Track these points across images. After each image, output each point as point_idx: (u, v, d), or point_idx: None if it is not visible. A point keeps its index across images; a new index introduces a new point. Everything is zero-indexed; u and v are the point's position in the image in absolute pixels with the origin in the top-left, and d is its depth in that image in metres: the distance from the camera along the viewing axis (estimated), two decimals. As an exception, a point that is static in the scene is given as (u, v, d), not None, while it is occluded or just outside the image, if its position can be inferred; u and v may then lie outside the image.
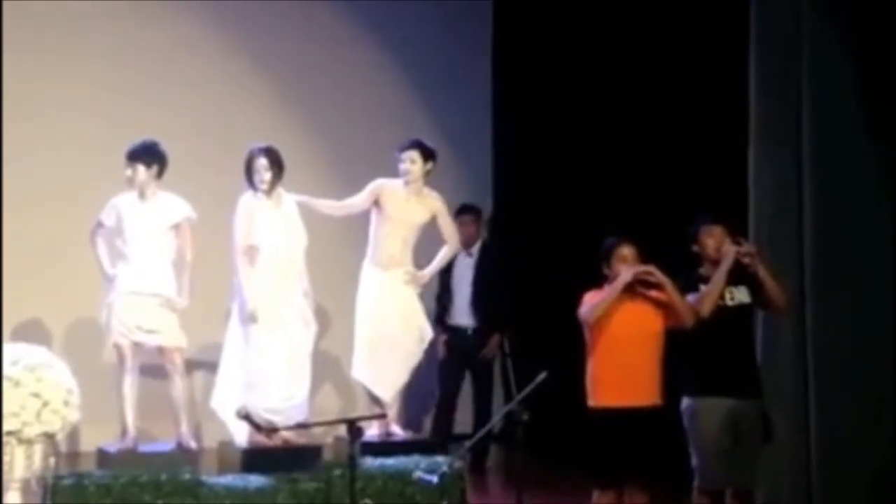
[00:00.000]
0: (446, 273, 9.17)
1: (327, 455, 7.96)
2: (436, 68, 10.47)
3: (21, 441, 6.18)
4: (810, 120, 7.48)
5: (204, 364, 8.77)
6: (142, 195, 8.00)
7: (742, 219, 7.56)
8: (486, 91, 10.62)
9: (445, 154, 8.86)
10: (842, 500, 7.29)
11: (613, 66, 9.48)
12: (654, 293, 6.86)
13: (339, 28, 10.32)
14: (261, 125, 9.52)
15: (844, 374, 7.29)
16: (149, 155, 7.98)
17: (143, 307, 7.92)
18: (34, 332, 8.68)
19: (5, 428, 6.14)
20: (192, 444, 8.03)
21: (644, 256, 6.90)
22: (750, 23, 7.71)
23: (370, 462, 7.63)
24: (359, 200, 8.35)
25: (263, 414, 7.66)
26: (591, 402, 6.85)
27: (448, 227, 8.46)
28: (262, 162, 8.01)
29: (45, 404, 6.21)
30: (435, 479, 6.49)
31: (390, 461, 7.70)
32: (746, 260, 6.85)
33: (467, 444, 6.39)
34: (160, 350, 8.02)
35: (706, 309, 6.77)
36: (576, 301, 6.88)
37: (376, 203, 8.31)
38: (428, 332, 8.43)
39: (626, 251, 6.87)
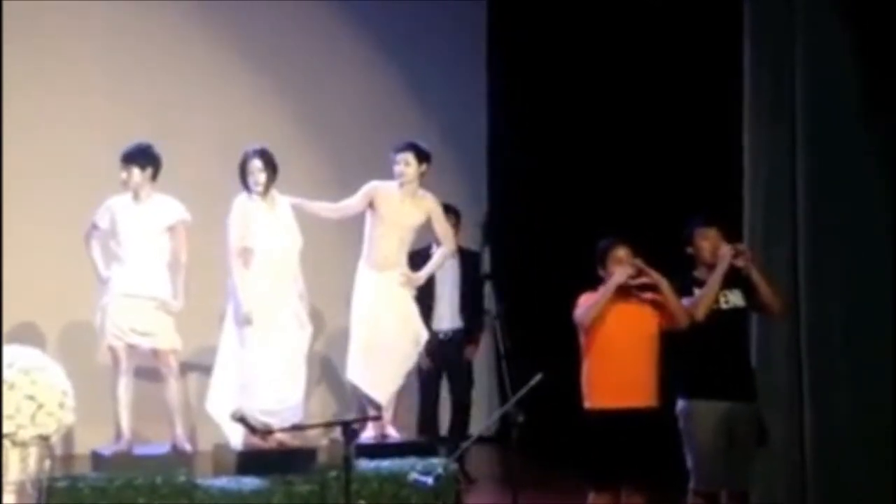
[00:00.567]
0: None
1: (322, 457, 7.96)
2: (431, 69, 10.48)
3: (16, 443, 6.18)
4: (805, 123, 7.48)
5: (199, 366, 8.75)
6: (136, 197, 8.00)
7: (736, 221, 7.56)
8: (481, 92, 10.64)
9: (441, 155, 8.86)
10: (837, 502, 7.29)
11: (607, 67, 9.50)
12: (648, 295, 6.87)
13: (333, 30, 10.33)
14: (255, 127, 9.52)
15: (839, 376, 7.29)
16: (143, 157, 7.97)
17: (138, 309, 7.91)
18: (29, 335, 8.68)
19: (-1, 430, 6.14)
20: (187, 447, 8.02)
21: (639, 258, 6.90)
22: (744, 18, 7.71)
23: (365, 464, 7.63)
24: (353, 202, 8.34)
25: (258, 416, 7.66)
26: (588, 403, 6.85)
27: (443, 229, 8.45)
28: (257, 164, 8.01)
29: (40, 407, 6.21)
30: (430, 480, 6.47)
31: (385, 463, 7.71)
32: (740, 263, 6.85)
33: (464, 445, 6.38)
34: (155, 352, 8.01)
35: (701, 312, 6.76)
36: (571, 302, 6.88)
37: (371, 205, 8.30)
38: (423, 335, 8.43)
39: (621, 252, 6.87)
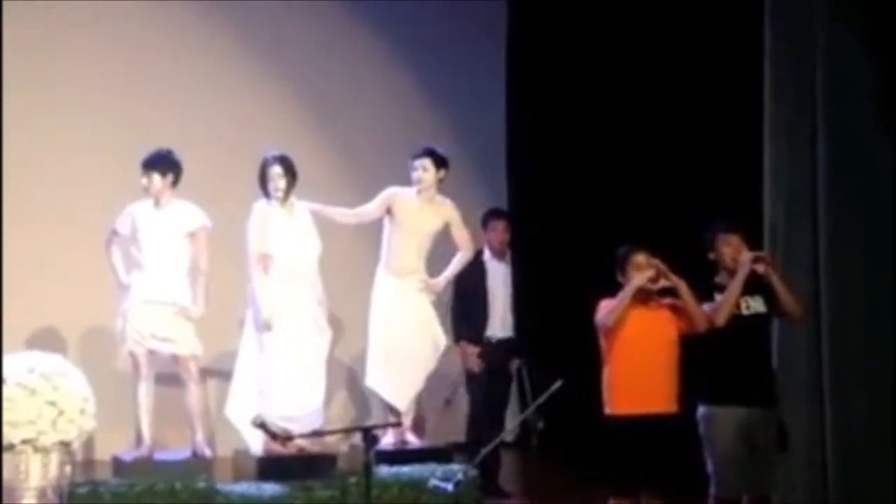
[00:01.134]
0: (477, 283, 8.67)
1: (342, 463, 7.96)
2: (450, 73, 10.47)
3: (37, 449, 6.17)
4: (825, 125, 7.47)
5: (218, 372, 8.77)
6: (157, 203, 8.02)
7: (757, 226, 7.54)
8: (500, 97, 10.62)
9: (460, 161, 8.86)
10: (859, 507, 7.28)
11: (629, 73, 9.48)
12: (668, 300, 6.87)
13: (352, 35, 10.33)
14: (274, 133, 9.52)
15: (860, 380, 7.27)
16: (164, 163, 8.00)
17: (158, 315, 7.93)
18: (50, 340, 8.69)
19: (21, 436, 6.14)
20: (207, 452, 8.03)
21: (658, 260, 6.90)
22: (764, 26, 7.70)
23: (385, 470, 7.63)
24: (371, 208, 8.35)
25: (278, 422, 7.66)
26: (608, 409, 6.84)
27: (461, 235, 8.45)
28: (277, 170, 8.03)
29: (61, 413, 6.19)
30: (450, 487, 6.46)
31: (405, 469, 7.71)
32: (761, 268, 6.84)
33: (483, 451, 6.37)
34: (175, 358, 8.03)
35: (722, 317, 6.75)
36: (591, 309, 6.88)
37: (389, 211, 8.32)
38: (442, 340, 8.42)
39: (640, 259, 6.87)
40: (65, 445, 6.26)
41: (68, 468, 6.39)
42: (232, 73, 10.00)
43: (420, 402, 8.70)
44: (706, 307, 6.82)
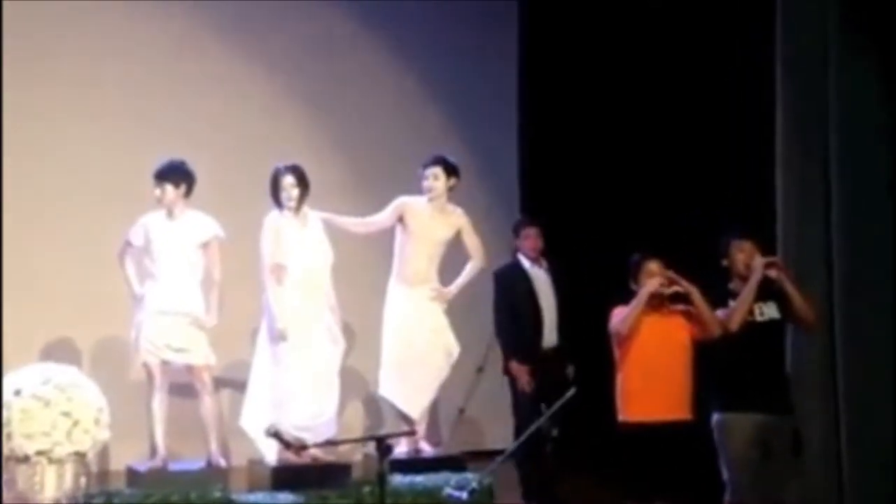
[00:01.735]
0: (525, 293, 8.37)
1: (356, 472, 7.97)
2: (461, 83, 10.45)
3: (52, 461, 6.20)
4: (837, 132, 7.46)
5: (232, 382, 8.77)
6: (170, 214, 8.03)
7: (770, 233, 7.54)
8: (512, 105, 10.61)
9: (472, 169, 8.86)
10: (874, 514, 7.26)
11: (642, 79, 9.47)
12: (681, 306, 6.87)
13: (363, 45, 10.32)
14: (286, 142, 9.52)
15: (875, 387, 7.25)
16: (176, 174, 8.01)
17: (172, 326, 7.94)
18: (64, 352, 8.69)
19: (36, 448, 6.16)
20: (222, 462, 8.03)
21: (671, 270, 6.90)
22: (776, 37, 7.70)
23: (399, 479, 7.64)
24: (383, 218, 8.37)
25: (292, 431, 7.66)
26: (622, 416, 6.85)
27: (473, 243, 8.45)
28: (289, 180, 8.04)
29: (76, 423, 6.22)
30: (465, 495, 6.44)
31: (419, 478, 7.71)
32: (773, 274, 6.84)
33: (499, 459, 6.35)
34: (189, 368, 8.03)
35: (735, 324, 6.75)
36: (605, 316, 6.88)
37: (400, 220, 8.33)
38: (455, 349, 8.42)
39: (653, 266, 6.90)
40: (80, 456, 6.29)
41: (83, 479, 6.42)
42: (245, 82, 9.99)
43: (434, 411, 8.69)
44: (720, 313, 6.83)
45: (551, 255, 8.62)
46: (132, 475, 7.96)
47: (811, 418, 7.29)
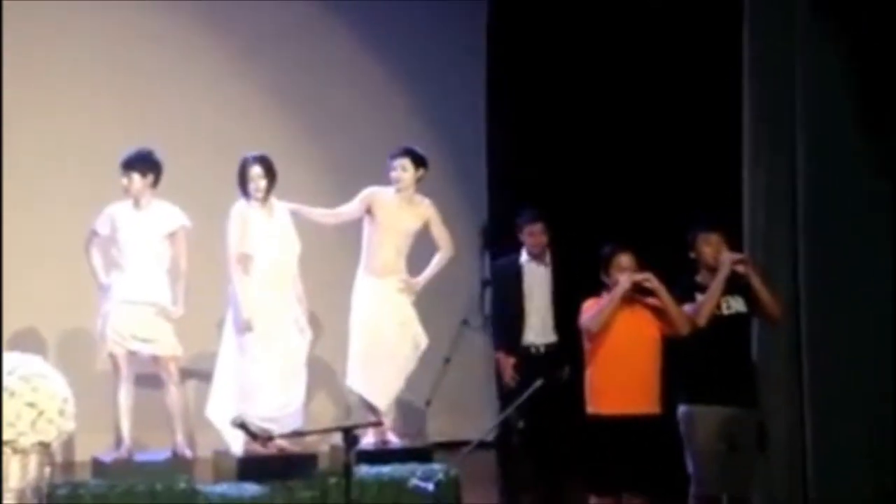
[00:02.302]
0: (512, 287, 8.46)
1: (323, 463, 7.96)
2: (429, 74, 10.45)
3: (16, 451, 6.17)
4: (805, 126, 7.49)
5: (199, 373, 8.74)
6: (137, 204, 7.99)
7: (736, 226, 7.56)
8: (480, 97, 10.61)
9: (440, 161, 8.85)
10: (838, 507, 7.30)
11: (608, 72, 9.49)
12: (651, 300, 6.89)
13: (331, 36, 10.30)
14: (253, 133, 9.50)
15: (840, 381, 7.29)
16: (144, 163, 7.97)
17: (138, 316, 7.90)
18: (29, 342, 8.65)
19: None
20: (188, 453, 8.01)
21: (641, 263, 6.92)
22: (743, 32, 7.72)
23: (366, 470, 7.64)
24: (351, 208, 8.35)
25: (259, 422, 7.63)
26: (590, 409, 6.87)
27: (441, 234, 8.44)
28: (257, 170, 8.01)
29: (41, 414, 6.20)
30: (431, 486, 6.48)
31: (386, 469, 7.71)
32: (740, 268, 6.87)
33: (464, 450, 6.37)
34: (155, 359, 8.00)
35: (703, 318, 6.79)
36: (574, 309, 6.89)
37: (368, 211, 8.31)
38: (423, 340, 8.41)
39: (624, 259, 6.91)
40: (44, 446, 6.27)
41: (47, 469, 6.39)
42: (211, 72, 9.96)
43: (401, 402, 8.69)
44: (687, 308, 6.85)
45: (519, 246, 8.61)
46: (97, 466, 7.92)
47: (776, 412, 7.33)
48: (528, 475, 7.88)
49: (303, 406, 8.10)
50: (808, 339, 7.39)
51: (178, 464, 7.85)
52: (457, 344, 9.81)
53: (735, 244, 7.14)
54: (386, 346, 8.26)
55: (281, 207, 8.13)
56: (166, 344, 7.98)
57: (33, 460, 6.25)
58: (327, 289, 8.53)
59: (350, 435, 5.64)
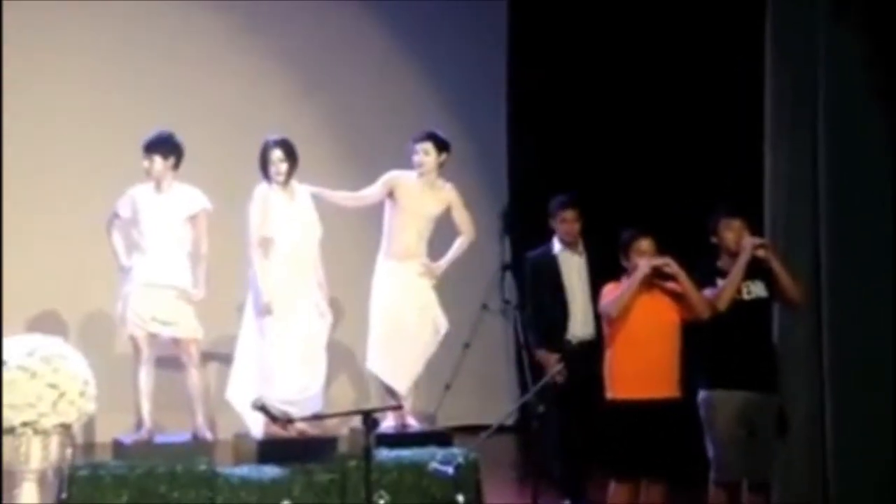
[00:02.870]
0: (551, 281, 8.05)
1: (342, 446, 7.96)
2: (451, 59, 10.46)
3: (37, 432, 6.19)
4: (826, 113, 7.46)
5: (219, 355, 8.77)
6: (158, 186, 8.00)
7: (758, 212, 7.54)
8: (501, 82, 10.61)
9: (460, 146, 8.84)
10: (858, 493, 7.27)
11: (629, 59, 9.48)
12: (670, 285, 6.87)
13: (354, 19, 10.31)
14: (275, 117, 9.51)
15: (860, 367, 7.27)
16: (165, 146, 7.98)
17: (159, 298, 7.92)
18: (50, 324, 8.70)
19: (21, 419, 6.16)
20: (208, 436, 8.03)
21: (661, 248, 6.91)
22: (766, 14, 7.69)
23: (385, 454, 7.63)
24: (372, 192, 8.34)
25: (279, 405, 7.63)
26: (610, 394, 6.86)
27: (463, 218, 8.42)
28: (278, 153, 8.01)
29: (62, 395, 6.21)
30: (450, 470, 6.49)
31: (406, 453, 7.70)
32: (761, 253, 6.86)
33: (484, 434, 6.38)
34: (176, 341, 8.02)
35: (724, 303, 6.78)
36: (594, 292, 6.88)
37: (390, 195, 8.30)
38: (443, 324, 8.41)
39: (644, 244, 6.88)
40: (65, 428, 6.28)
41: (69, 451, 6.41)
42: (234, 55, 9.98)
43: (421, 386, 8.69)
44: (707, 293, 6.84)
45: (541, 232, 8.55)
46: (118, 447, 7.96)
47: (797, 397, 7.31)
48: (547, 459, 7.86)
49: (323, 389, 8.11)
50: (828, 324, 7.37)
51: (199, 446, 7.87)
52: (477, 328, 9.81)
53: (756, 229, 7.12)
54: (406, 330, 8.26)
55: (302, 191, 8.13)
56: (187, 326, 7.99)
57: (54, 441, 6.27)
58: (348, 272, 8.54)
59: (370, 418, 5.65)
